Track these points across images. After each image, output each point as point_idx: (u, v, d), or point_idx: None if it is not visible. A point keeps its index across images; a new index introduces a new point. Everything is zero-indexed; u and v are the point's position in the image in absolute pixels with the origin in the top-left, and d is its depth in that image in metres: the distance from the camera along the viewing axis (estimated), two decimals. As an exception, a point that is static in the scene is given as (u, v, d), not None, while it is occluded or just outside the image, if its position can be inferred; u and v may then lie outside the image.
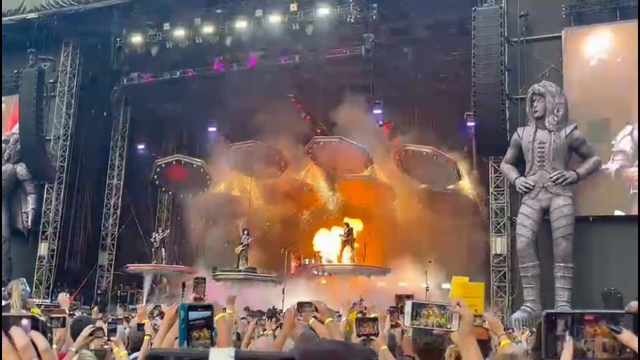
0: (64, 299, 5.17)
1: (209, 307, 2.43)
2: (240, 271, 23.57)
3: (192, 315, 2.34)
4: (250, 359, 0.73)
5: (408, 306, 2.10)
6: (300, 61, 23.50)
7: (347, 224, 23.97)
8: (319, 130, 26.91)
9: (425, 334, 3.41)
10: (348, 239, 23.60)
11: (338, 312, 8.95)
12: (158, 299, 22.71)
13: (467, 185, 24.49)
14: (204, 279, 3.95)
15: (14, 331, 1.05)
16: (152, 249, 25.53)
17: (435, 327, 2.11)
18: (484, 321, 4.16)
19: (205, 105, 25.84)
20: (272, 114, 24.26)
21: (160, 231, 26.10)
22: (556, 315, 1.29)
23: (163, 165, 26.74)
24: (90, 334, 4.07)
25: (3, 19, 23.06)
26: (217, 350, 0.73)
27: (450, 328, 2.09)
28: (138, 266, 25.01)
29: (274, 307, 20.07)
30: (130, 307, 21.80)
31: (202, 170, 26.93)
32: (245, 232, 24.39)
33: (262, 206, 27.71)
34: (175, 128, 28.63)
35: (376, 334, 4.08)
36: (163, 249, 25.59)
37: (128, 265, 25.05)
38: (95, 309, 11.33)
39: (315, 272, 24.30)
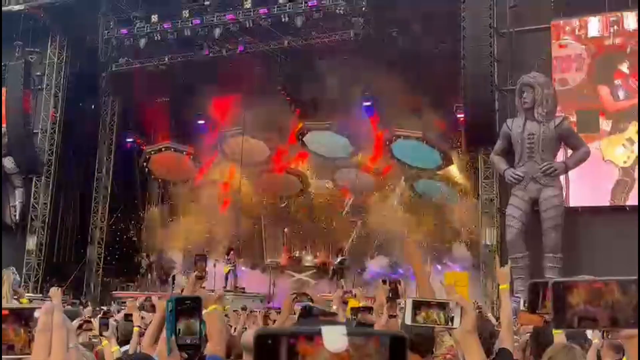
0: (55, 293, 5.12)
1: (197, 300, 2.40)
2: (229, 291, 23.37)
3: (180, 307, 2.32)
4: (362, 335, 0.77)
5: (409, 304, 2.08)
6: (289, 48, 23.37)
7: (344, 259, 23.78)
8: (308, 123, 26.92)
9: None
10: (341, 268, 23.50)
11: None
12: (148, 291, 22.63)
13: (456, 172, 24.68)
14: (205, 255, 3.94)
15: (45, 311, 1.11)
16: (139, 275, 25.09)
17: (436, 324, 2.09)
18: None
19: (195, 94, 25.74)
20: (261, 104, 24.26)
21: (146, 256, 25.70)
22: (563, 283, 1.28)
23: (153, 152, 26.61)
24: (79, 327, 4.03)
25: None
26: (330, 327, 0.76)
27: (452, 325, 2.06)
28: (125, 294, 24.71)
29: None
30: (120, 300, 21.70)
31: (191, 158, 26.87)
32: (232, 252, 23.69)
33: (251, 195, 27.73)
34: (164, 117, 28.50)
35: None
36: (149, 275, 25.10)
37: (114, 292, 24.71)
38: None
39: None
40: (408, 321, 2.08)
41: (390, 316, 4.47)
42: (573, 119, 18.16)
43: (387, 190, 26.12)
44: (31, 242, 23.89)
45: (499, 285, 4.23)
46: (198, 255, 3.83)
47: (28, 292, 21.17)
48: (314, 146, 26.00)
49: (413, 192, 25.38)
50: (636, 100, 17.63)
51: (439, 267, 20.25)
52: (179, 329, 2.16)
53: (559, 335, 4.16)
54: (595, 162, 17.85)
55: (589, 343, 4.69)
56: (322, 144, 25.58)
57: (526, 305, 4.15)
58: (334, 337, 0.75)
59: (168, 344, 2.15)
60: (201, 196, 26.95)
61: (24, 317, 1.18)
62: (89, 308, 11.56)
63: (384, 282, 5.46)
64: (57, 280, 22.61)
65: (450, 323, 2.06)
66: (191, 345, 2.19)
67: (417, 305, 2.07)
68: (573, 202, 17.71)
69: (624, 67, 18.22)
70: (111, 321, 4.58)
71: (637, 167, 17.50)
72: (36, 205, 24.18)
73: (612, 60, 18.43)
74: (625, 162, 18.09)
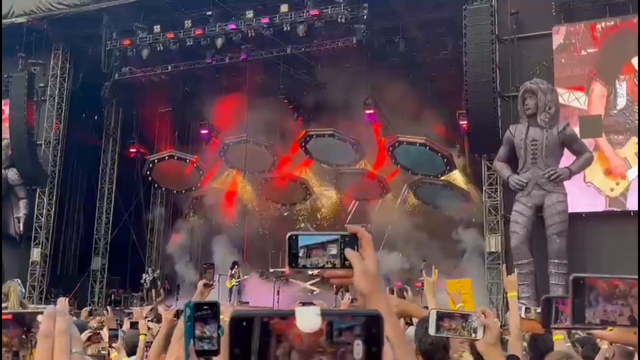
0: (62, 303, 5.11)
1: (215, 305, 2.40)
2: (233, 306, 23.01)
3: (198, 313, 2.32)
4: (336, 316, 0.78)
5: (432, 315, 2.11)
6: (292, 55, 23.40)
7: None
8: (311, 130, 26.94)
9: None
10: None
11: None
12: (154, 303, 22.59)
13: (459, 178, 24.65)
14: (213, 264, 3.91)
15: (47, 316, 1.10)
16: (144, 290, 24.97)
17: (460, 335, 2.12)
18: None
19: (197, 102, 25.79)
20: (264, 112, 24.31)
21: (150, 271, 25.56)
22: (584, 279, 1.27)
23: (156, 160, 26.62)
24: (88, 339, 4.04)
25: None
26: (304, 308, 0.76)
27: (475, 337, 2.08)
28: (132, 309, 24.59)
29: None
30: (125, 311, 21.66)
31: (195, 166, 26.89)
32: (236, 266, 22.85)
33: (255, 203, 27.69)
34: (167, 126, 28.54)
35: None
36: (154, 290, 24.95)
37: (117, 308, 24.50)
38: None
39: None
40: (432, 332, 2.11)
41: (407, 323, 4.44)
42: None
43: (390, 197, 26.10)
44: (35, 253, 23.89)
45: (505, 292, 4.21)
46: (206, 264, 3.83)
47: (32, 303, 21.18)
48: (317, 153, 25.99)
49: (416, 198, 25.35)
50: (633, 118, 17.27)
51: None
52: (197, 335, 2.16)
53: (559, 342, 4.08)
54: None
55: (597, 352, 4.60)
56: (325, 150, 25.56)
57: (533, 314, 4.13)
58: (307, 317, 0.76)
59: (186, 350, 2.15)
60: (205, 204, 26.94)
61: (26, 322, 1.18)
62: (110, 311, 11.28)
63: (391, 290, 5.46)
64: (62, 291, 22.63)
65: (473, 334, 2.08)
66: (208, 352, 2.19)
67: (441, 316, 2.09)
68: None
69: (636, 61, 17.37)
70: (120, 332, 4.58)
71: (627, 195, 17.28)
72: (40, 217, 24.20)
73: (624, 50, 17.74)
74: (612, 189, 17.57)
